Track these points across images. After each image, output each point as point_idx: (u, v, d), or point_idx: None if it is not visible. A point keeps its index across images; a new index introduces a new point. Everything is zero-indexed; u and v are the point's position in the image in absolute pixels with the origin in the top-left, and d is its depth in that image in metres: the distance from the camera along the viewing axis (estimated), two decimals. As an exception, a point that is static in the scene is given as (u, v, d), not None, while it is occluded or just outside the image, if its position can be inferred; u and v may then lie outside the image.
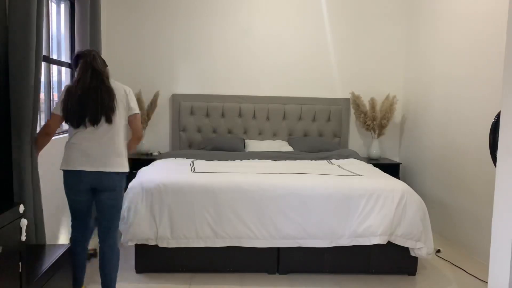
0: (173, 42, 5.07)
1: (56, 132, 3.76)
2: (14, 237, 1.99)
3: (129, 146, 2.84)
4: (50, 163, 3.12)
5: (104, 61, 2.73)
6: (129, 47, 5.03)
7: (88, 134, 2.58)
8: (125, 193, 3.21)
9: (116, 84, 2.69)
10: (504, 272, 1.80)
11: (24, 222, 2.05)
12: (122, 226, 3.18)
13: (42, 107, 3.61)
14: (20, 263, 2.02)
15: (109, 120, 2.58)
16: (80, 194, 2.63)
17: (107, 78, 2.63)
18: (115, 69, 5.01)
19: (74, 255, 2.72)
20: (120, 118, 2.64)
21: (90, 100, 2.54)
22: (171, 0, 5.02)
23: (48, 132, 2.70)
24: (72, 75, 4.13)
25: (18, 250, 2.02)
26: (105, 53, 4.81)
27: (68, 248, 2.63)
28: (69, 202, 2.70)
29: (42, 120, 3.87)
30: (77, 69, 2.65)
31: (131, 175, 3.78)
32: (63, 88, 2.63)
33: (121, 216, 3.22)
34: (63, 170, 2.63)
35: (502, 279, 1.82)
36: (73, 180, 2.60)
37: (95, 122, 2.56)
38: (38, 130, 2.93)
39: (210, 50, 5.10)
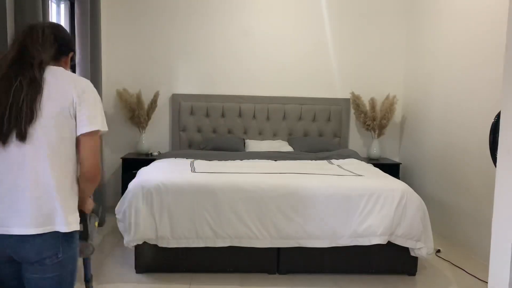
0: (173, 42, 5.07)
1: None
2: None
3: (80, 187, 1.63)
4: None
5: (58, 39, 1.67)
6: (129, 47, 5.03)
7: None
8: (125, 193, 3.21)
9: (64, 74, 1.62)
10: (504, 272, 1.80)
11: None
12: (122, 227, 3.18)
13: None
14: (20, 263, 2.00)
15: (21, 136, 1.49)
16: None
17: (42, 64, 1.56)
18: (115, 69, 5.02)
19: None
20: (51, 132, 1.52)
21: None
22: (171, 0, 5.02)
23: None
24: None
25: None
26: (105, 53, 4.81)
27: None
28: None
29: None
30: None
31: (131, 175, 3.79)
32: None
33: (120, 218, 3.22)
34: None
35: (502, 279, 1.81)
36: None
37: (1, 138, 1.50)
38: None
39: (210, 50, 5.09)
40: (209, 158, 4.25)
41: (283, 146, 4.82)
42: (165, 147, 5.15)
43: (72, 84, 1.58)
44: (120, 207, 3.22)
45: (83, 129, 1.56)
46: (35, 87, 1.51)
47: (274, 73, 5.15)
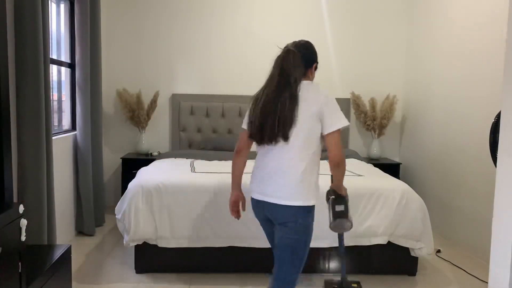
0: (173, 42, 5.07)
1: (55, 132, 3.78)
2: (14, 237, 1.99)
3: (332, 174, 2.22)
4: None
5: (304, 56, 2.19)
6: (129, 47, 5.03)
7: (266, 154, 2.12)
8: (125, 193, 3.21)
9: (312, 89, 2.13)
10: (505, 272, 1.80)
11: (24, 222, 2.05)
12: (122, 227, 3.18)
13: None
14: (20, 263, 2.02)
15: (285, 137, 2.05)
16: (262, 225, 2.30)
17: (296, 81, 2.09)
18: (115, 69, 5.02)
19: None
20: (304, 133, 2.06)
21: (270, 111, 2.07)
22: (171, 0, 5.02)
23: (237, 149, 2.30)
24: (72, 76, 4.14)
25: (18, 250, 2.02)
26: (105, 53, 4.81)
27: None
28: None
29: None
30: None
31: (131, 175, 3.79)
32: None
33: (120, 218, 3.21)
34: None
35: (503, 279, 1.81)
36: (254, 209, 2.24)
37: (272, 139, 2.07)
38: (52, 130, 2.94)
39: (210, 50, 5.09)
40: (209, 158, 4.24)
41: (283, 146, 4.81)
42: (165, 147, 5.15)
43: (319, 97, 2.09)
44: (120, 207, 3.22)
45: (328, 129, 2.07)
46: (294, 101, 2.05)
47: (274, 73, 5.15)
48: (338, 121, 2.09)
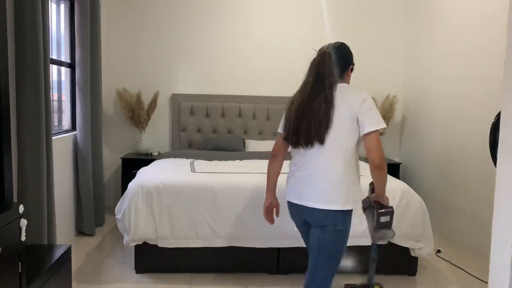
0: (173, 42, 5.07)
1: (55, 132, 3.78)
2: (14, 237, 1.99)
3: (373, 178, 2.12)
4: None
5: (340, 59, 2.17)
6: (129, 47, 5.03)
7: (302, 157, 2.11)
8: (125, 193, 3.21)
9: (349, 91, 2.08)
10: (505, 272, 1.80)
11: (24, 222, 2.05)
12: (122, 227, 3.18)
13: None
14: (20, 263, 2.02)
15: (320, 140, 2.03)
16: (299, 227, 2.27)
17: (332, 84, 2.06)
18: (115, 69, 5.02)
19: None
20: (341, 136, 2.03)
21: (305, 114, 2.07)
22: (171, 0, 5.02)
23: (273, 153, 2.28)
24: (72, 76, 4.14)
25: (18, 250, 2.02)
26: (105, 53, 4.81)
27: None
28: None
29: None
30: None
31: (131, 175, 3.79)
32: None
33: (120, 218, 3.22)
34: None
35: (503, 279, 1.81)
36: (290, 212, 2.23)
37: (308, 142, 2.06)
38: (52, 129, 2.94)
39: (210, 50, 5.09)
40: (209, 158, 4.24)
41: (283, 146, 4.81)
42: (165, 147, 5.15)
43: (356, 99, 2.02)
44: (120, 207, 3.22)
45: (366, 130, 1.99)
46: (329, 104, 2.02)
47: (274, 73, 5.15)
48: (376, 121, 2.00)
